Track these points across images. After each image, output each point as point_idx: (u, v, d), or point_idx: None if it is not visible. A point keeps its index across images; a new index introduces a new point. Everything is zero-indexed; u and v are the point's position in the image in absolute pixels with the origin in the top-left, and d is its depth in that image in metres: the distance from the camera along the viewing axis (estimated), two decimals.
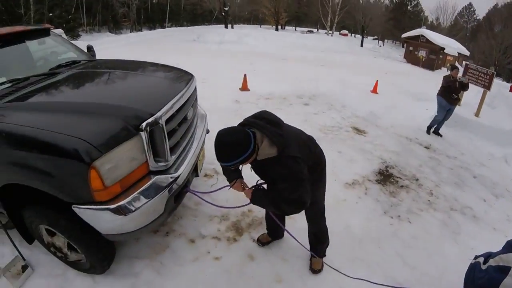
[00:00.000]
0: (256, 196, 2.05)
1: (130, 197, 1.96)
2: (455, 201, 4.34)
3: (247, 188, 2.17)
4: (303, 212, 2.40)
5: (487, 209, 4.32)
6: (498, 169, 5.74)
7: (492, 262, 1.05)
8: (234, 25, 40.33)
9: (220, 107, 6.16)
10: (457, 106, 8.52)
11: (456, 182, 4.92)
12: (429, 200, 4.21)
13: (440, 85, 6.73)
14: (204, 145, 3.04)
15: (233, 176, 2.21)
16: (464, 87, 6.60)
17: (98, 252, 2.24)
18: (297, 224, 2.94)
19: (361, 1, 46.43)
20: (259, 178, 2.18)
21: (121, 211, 1.90)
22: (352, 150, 5.32)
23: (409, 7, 57.00)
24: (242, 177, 2.24)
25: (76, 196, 1.89)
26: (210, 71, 9.42)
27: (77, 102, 2.20)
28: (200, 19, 49.97)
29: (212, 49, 17.17)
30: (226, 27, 35.28)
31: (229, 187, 2.25)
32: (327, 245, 2.69)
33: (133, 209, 1.94)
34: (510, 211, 4.35)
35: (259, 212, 2.92)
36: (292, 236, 2.37)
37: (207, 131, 3.22)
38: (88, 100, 2.22)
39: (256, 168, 2.08)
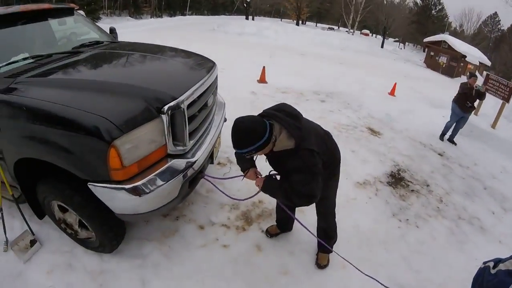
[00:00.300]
0: (268, 184, 2.07)
1: (146, 178, 1.98)
2: (464, 211, 4.29)
3: (259, 177, 2.18)
4: (313, 206, 2.41)
5: (495, 222, 4.26)
6: (510, 183, 5.62)
7: (502, 266, 1.05)
8: (255, 17, 40.17)
9: (237, 97, 6.16)
10: (474, 115, 8.42)
11: (467, 192, 4.86)
12: (438, 207, 4.18)
13: (457, 92, 6.63)
14: (221, 133, 3.06)
15: (247, 165, 2.22)
16: (481, 96, 6.49)
17: (109, 231, 2.26)
18: (307, 218, 2.95)
19: (385, 2, 45.61)
20: (272, 169, 2.20)
21: (137, 191, 1.93)
22: (365, 150, 5.30)
23: (433, 11, 55.89)
24: (255, 167, 2.25)
25: (93, 174, 1.91)
26: (229, 61, 9.42)
27: (100, 80, 2.21)
28: (221, 9, 49.77)
29: (231, 40, 17.14)
30: (247, 18, 35.18)
31: (243, 177, 2.26)
32: (335, 241, 2.71)
33: (148, 190, 1.96)
34: None
35: (269, 203, 2.95)
36: (303, 225, 2.35)
37: (225, 120, 3.25)
38: (111, 80, 2.23)
39: (272, 160, 2.09)
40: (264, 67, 8.21)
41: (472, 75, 6.59)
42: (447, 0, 56.33)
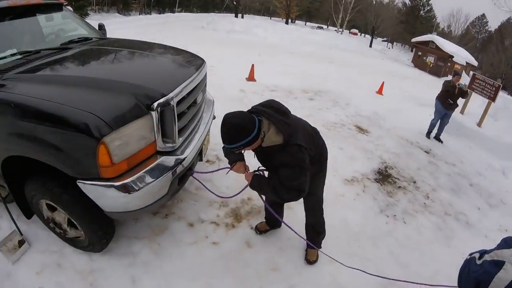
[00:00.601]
0: (256, 180, 2.09)
1: (136, 175, 1.97)
2: (450, 207, 4.39)
3: (248, 171, 2.20)
4: (301, 202, 2.45)
5: (480, 217, 4.37)
6: (495, 180, 5.76)
7: (487, 257, 1.09)
8: (245, 15, 40.05)
9: (225, 95, 6.16)
10: (460, 114, 8.59)
11: (453, 188, 4.96)
12: (425, 203, 4.26)
13: (441, 90, 6.79)
14: (209, 131, 3.07)
15: (234, 158, 2.23)
16: (463, 94, 6.66)
17: (99, 230, 2.24)
18: (295, 214, 2.99)
19: (374, 2, 46.00)
20: (261, 166, 2.21)
21: (126, 189, 1.92)
22: (353, 148, 5.36)
23: (422, 12, 56.76)
24: (243, 160, 2.27)
25: (82, 171, 1.90)
26: (218, 59, 9.39)
27: (89, 77, 2.19)
28: (210, 7, 49.62)
29: (221, 38, 17.07)
30: (236, 16, 35.05)
31: (229, 169, 2.27)
32: (323, 237, 2.74)
33: (138, 188, 1.96)
34: (503, 222, 4.39)
35: (259, 200, 2.95)
36: (289, 227, 2.41)
37: (214, 117, 3.25)
38: (100, 76, 2.22)
39: (260, 155, 2.11)
40: (253, 65, 8.20)
41: (456, 74, 6.75)
42: (436, 1, 57.19)
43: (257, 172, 2.16)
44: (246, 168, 2.22)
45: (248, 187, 2.14)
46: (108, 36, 3.62)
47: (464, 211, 4.38)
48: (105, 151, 1.79)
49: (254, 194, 2.80)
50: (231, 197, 2.53)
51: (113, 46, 3.01)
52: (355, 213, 3.59)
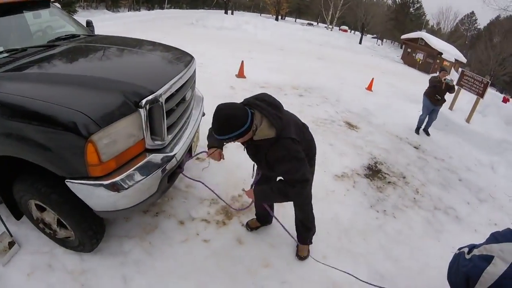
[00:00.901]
0: (260, 194, 2.09)
1: (124, 174, 1.96)
2: (440, 201, 4.45)
3: (223, 158, 2.24)
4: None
5: (470, 211, 4.43)
6: (484, 175, 5.86)
7: (476, 252, 1.09)
8: (234, 12, 39.86)
9: (215, 92, 6.13)
10: (449, 110, 8.70)
11: (442, 183, 5.03)
12: (414, 198, 4.31)
13: (428, 86, 6.89)
14: (199, 128, 3.06)
15: (214, 144, 2.24)
16: (450, 89, 6.75)
17: (89, 229, 2.22)
18: (286, 211, 2.99)
19: None
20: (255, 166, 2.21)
21: (115, 187, 1.90)
22: (343, 144, 5.40)
23: (411, 9, 57.74)
24: (222, 148, 2.28)
25: (71, 170, 1.87)
26: (208, 55, 9.37)
27: (77, 75, 2.16)
28: (200, 3, 49.29)
29: (210, 34, 16.97)
30: (226, 12, 34.85)
31: (207, 154, 2.27)
32: (314, 233, 2.75)
33: (127, 186, 1.94)
34: (492, 216, 4.46)
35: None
36: (281, 224, 2.42)
37: (203, 114, 3.24)
38: (88, 74, 2.19)
39: (250, 149, 2.09)
40: (242, 61, 8.20)
41: (443, 69, 6.88)
42: None
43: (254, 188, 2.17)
44: (221, 156, 2.25)
45: (253, 203, 2.15)
46: (96, 33, 3.58)
47: (453, 206, 4.43)
48: (93, 150, 1.77)
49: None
50: (238, 209, 2.62)
51: (101, 43, 2.97)
52: (346, 209, 3.62)
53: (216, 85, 6.75)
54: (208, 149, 2.26)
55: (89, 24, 3.59)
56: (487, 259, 1.02)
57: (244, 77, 8.02)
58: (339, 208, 3.58)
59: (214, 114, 1.81)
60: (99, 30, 3.90)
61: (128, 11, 32.85)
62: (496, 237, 1.08)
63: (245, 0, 51.07)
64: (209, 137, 2.26)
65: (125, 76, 2.22)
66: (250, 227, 2.95)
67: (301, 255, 2.77)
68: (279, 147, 1.88)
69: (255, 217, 2.98)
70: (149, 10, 35.19)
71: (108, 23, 15.26)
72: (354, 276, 2.38)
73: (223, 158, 2.26)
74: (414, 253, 3.23)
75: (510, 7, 10.60)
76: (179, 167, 2.42)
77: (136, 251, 2.54)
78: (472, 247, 1.15)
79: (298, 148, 1.92)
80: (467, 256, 1.12)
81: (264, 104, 1.91)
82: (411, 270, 2.99)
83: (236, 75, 8.10)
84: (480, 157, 6.67)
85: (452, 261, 1.24)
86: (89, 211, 2.05)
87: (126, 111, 1.93)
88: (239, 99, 2.01)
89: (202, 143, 3.76)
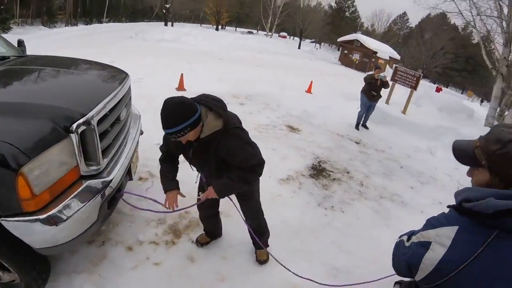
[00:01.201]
0: (221, 187, 2.07)
1: (61, 205, 1.83)
2: (384, 190, 4.70)
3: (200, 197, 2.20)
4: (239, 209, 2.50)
5: (414, 195, 4.73)
6: (424, 160, 6.32)
7: (414, 239, 1.11)
8: (175, 23, 39.34)
9: (155, 107, 5.79)
10: (386, 104, 9.32)
11: (385, 173, 5.34)
12: (360, 190, 4.52)
13: (364, 84, 7.36)
14: (138, 147, 2.97)
15: (171, 187, 2.22)
16: (385, 84, 7.29)
17: (32, 270, 2.04)
18: (236, 221, 2.99)
19: (302, 5, 47.99)
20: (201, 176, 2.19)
21: (52, 221, 1.78)
22: (286, 147, 5.53)
23: (347, 13, 61.94)
24: (179, 189, 2.26)
25: (3, 208, 1.72)
26: (147, 70, 9.15)
27: (2, 102, 1.98)
28: (140, 16, 48.09)
29: (150, 48, 16.56)
30: (166, 24, 34.24)
31: (164, 207, 2.25)
32: (268, 236, 2.79)
33: (65, 218, 1.82)
34: (435, 196, 4.81)
35: (196, 212, 2.90)
36: (249, 230, 2.42)
37: (141, 132, 3.15)
38: (15, 100, 2.01)
39: (198, 152, 2.03)
40: (182, 74, 8.12)
41: (377, 67, 7.39)
42: (360, 2, 62.43)
43: (199, 197, 2.17)
44: (180, 195, 2.25)
45: (196, 205, 2.15)
46: (28, 52, 3.36)
47: (398, 192, 4.70)
48: (24, 183, 1.64)
49: (192, 207, 2.76)
50: (174, 211, 2.36)
51: (31, 64, 2.80)
52: (294, 210, 3.69)
53: (156, 100, 6.47)
54: (165, 193, 2.23)
55: (20, 43, 3.36)
56: (425, 245, 1.04)
57: (184, 90, 7.94)
58: (287, 211, 3.64)
59: (162, 108, 1.77)
60: (33, 48, 3.69)
61: (65, 26, 31.08)
62: (432, 223, 1.10)
63: (185, 11, 50.51)
64: (164, 181, 2.24)
65: (55, 99, 2.10)
66: (200, 243, 2.89)
67: (261, 259, 2.80)
68: (229, 138, 1.91)
69: (203, 232, 2.93)
70: (87, 24, 33.70)
71: (43, 41, 14.35)
72: (311, 279, 2.41)
73: (183, 196, 2.26)
74: (365, 243, 3.36)
75: (439, 5, 11.67)
76: (119, 191, 2.33)
77: (87, 286, 2.37)
78: (410, 234, 1.17)
79: (247, 135, 1.99)
80: (407, 244, 1.14)
81: (208, 99, 1.94)
82: (365, 260, 3.09)
83: (176, 88, 8.00)
84: (418, 143, 7.18)
85: (394, 250, 1.27)
86: (29, 249, 1.89)
87: (56, 138, 1.81)
88: None
89: (144, 161, 3.70)
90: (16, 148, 1.63)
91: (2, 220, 1.74)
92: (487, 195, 0.94)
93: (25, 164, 1.63)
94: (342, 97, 10.72)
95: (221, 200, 2.44)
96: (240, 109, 7.36)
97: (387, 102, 9.77)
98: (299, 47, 40.33)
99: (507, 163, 0.97)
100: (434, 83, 44.09)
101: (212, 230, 2.88)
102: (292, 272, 2.47)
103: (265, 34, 46.57)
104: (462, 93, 51.96)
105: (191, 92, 7.89)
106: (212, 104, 1.90)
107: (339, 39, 38.69)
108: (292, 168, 4.74)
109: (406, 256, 1.12)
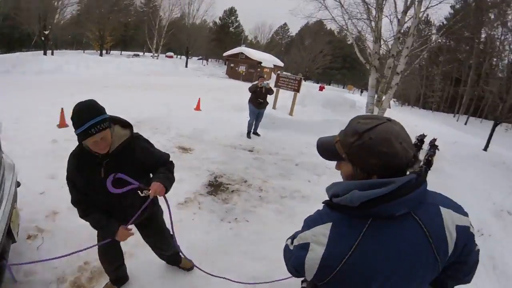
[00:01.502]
0: (164, 181, 2.02)
1: None
2: (283, 190, 4.98)
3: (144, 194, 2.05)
4: (145, 246, 2.59)
5: (313, 187, 5.10)
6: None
7: (295, 242, 1.11)
8: (56, 51, 35.54)
9: (34, 151, 5.31)
10: (273, 109, 10.07)
11: (282, 174, 5.67)
12: (260, 196, 4.69)
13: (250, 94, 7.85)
14: (16, 202, 2.64)
15: (113, 228, 2.09)
16: (269, 91, 7.96)
17: None
18: (145, 258, 2.94)
19: (187, 24, 48.25)
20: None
21: None
22: (180, 170, 5.16)
23: (231, 28, 65.21)
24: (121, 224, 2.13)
25: None
26: (25, 108, 7.97)
27: None
28: (17, 45, 42.39)
29: (29, 81, 14.53)
30: (45, 53, 30.65)
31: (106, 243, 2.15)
32: (178, 247, 2.71)
33: None
34: None
35: (96, 260, 2.64)
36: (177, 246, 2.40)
37: (18, 184, 2.82)
38: None
39: (111, 166, 1.95)
40: (62, 109, 7.21)
41: (260, 77, 8.02)
42: (243, 17, 66.61)
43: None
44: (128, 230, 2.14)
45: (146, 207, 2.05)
46: None
47: (297, 189, 5.01)
48: None
49: (91, 255, 2.62)
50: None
51: None
52: (198, 232, 3.60)
53: (36, 142, 5.76)
54: (114, 237, 2.09)
55: None
56: (305, 247, 1.05)
57: (67, 126, 7.07)
58: (192, 234, 3.51)
59: (76, 109, 1.78)
60: None
61: None
62: (308, 223, 1.12)
63: (66, 37, 45.96)
64: (105, 228, 2.10)
65: None
66: None
67: (186, 267, 2.93)
68: (141, 142, 2.10)
69: (109, 281, 2.70)
70: None
71: None
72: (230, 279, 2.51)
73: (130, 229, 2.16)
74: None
75: (314, 14, 13.24)
76: (2, 259, 2.07)
77: None
78: (293, 238, 1.16)
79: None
80: (291, 247, 1.14)
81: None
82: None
83: (57, 125, 7.11)
84: (309, 139, 7.63)
85: (283, 254, 1.25)
86: None
87: None
88: (64, 153, 1.92)
89: (29, 216, 3.29)
90: None
91: None
92: (351, 188, 0.99)
93: None
94: (231, 109, 11.06)
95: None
96: None
97: (274, 107, 10.58)
98: (186, 66, 40.65)
99: (364, 153, 0.99)
100: (318, 83, 48.99)
101: (116, 275, 2.68)
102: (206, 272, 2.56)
103: (151, 56, 45.59)
104: (343, 88, 59.42)
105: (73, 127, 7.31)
106: (114, 118, 2.02)
107: (225, 54, 40.21)
108: (189, 190, 4.66)
109: (291, 260, 1.13)
